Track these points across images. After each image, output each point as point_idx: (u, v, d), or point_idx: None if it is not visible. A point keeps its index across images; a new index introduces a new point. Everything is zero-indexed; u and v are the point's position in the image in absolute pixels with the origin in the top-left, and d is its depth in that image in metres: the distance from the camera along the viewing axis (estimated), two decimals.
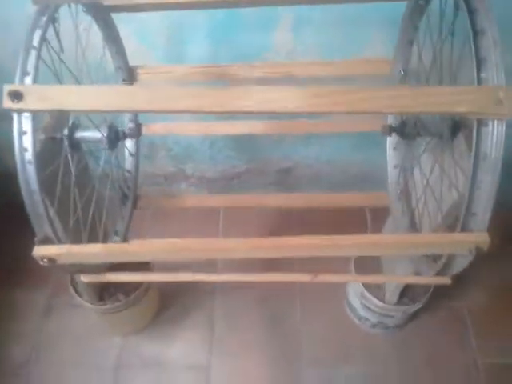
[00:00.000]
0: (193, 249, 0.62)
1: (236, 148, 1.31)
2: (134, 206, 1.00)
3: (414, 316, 1.27)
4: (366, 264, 1.15)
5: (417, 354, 1.25)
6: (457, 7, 0.63)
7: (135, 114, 0.95)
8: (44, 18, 0.64)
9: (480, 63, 0.55)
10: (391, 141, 0.91)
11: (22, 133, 0.60)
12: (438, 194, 0.74)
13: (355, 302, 1.22)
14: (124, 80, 0.95)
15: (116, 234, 1.01)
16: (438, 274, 0.70)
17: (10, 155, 1.40)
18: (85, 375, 1.23)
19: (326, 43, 0.99)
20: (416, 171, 0.86)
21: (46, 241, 0.66)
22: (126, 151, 1.02)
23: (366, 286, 1.13)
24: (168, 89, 0.56)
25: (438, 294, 1.30)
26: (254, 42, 0.99)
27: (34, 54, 0.62)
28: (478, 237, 0.58)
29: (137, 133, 0.92)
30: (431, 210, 0.78)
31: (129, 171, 1.01)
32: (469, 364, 1.23)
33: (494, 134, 0.55)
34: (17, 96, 0.57)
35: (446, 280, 0.72)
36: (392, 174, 0.92)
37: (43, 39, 0.63)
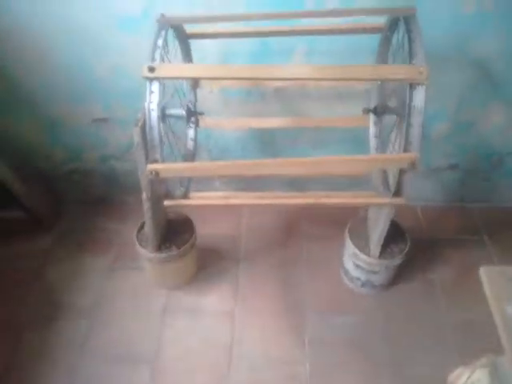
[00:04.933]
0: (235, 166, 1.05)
1: (261, 149, 1.75)
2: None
3: (395, 281, 1.65)
4: (358, 229, 1.56)
5: (397, 309, 1.60)
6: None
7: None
8: (163, 32, 1.11)
9: (412, 55, 1.00)
10: (371, 119, 1.34)
11: (151, 92, 1.05)
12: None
13: (349, 264, 1.60)
14: None
15: None
16: (395, 195, 1.11)
17: (92, 156, 1.89)
18: (139, 316, 1.59)
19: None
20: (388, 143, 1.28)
21: (155, 161, 1.09)
22: (189, 137, 1.46)
23: (356, 245, 1.52)
24: (233, 66, 1.01)
25: (415, 268, 1.69)
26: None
27: (158, 50, 1.08)
28: (413, 155, 1.00)
29: (196, 119, 1.37)
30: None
31: (190, 150, 1.45)
32: (438, 319, 1.57)
33: (419, 93, 0.99)
34: (151, 69, 1.02)
35: (401, 201, 1.12)
36: (372, 142, 1.34)
37: (164, 44, 1.09)
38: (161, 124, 1.13)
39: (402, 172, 1.07)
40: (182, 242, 1.54)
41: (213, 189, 1.93)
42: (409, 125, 1.00)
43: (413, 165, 1.01)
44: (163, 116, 1.22)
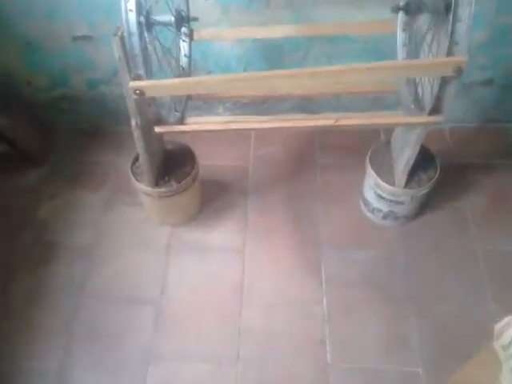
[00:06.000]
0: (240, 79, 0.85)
1: (267, 69, 1.52)
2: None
3: (420, 212, 1.48)
4: (380, 156, 1.38)
5: (422, 242, 1.45)
6: None
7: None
8: None
9: None
10: (400, 22, 1.10)
11: None
12: None
13: (369, 195, 1.43)
14: None
15: None
16: (432, 112, 0.91)
17: (78, 80, 1.65)
18: (141, 254, 1.45)
19: None
20: (422, 50, 1.05)
21: (138, 78, 0.89)
22: (182, 52, 1.25)
23: (378, 174, 1.34)
24: None
25: (443, 196, 1.52)
26: None
27: None
28: (460, 58, 0.80)
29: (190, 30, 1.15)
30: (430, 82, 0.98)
31: (184, 68, 1.24)
32: (469, 251, 1.42)
33: None
34: None
35: (439, 119, 0.93)
36: (400, 52, 1.12)
37: None
38: (145, 32, 0.93)
39: (443, 82, 0.86)
40: (182, 175, 1.38)
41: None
42: (455, 19, 0.78)
43: (459, 71, 0.80)
44: (148, 24, 1.01)
